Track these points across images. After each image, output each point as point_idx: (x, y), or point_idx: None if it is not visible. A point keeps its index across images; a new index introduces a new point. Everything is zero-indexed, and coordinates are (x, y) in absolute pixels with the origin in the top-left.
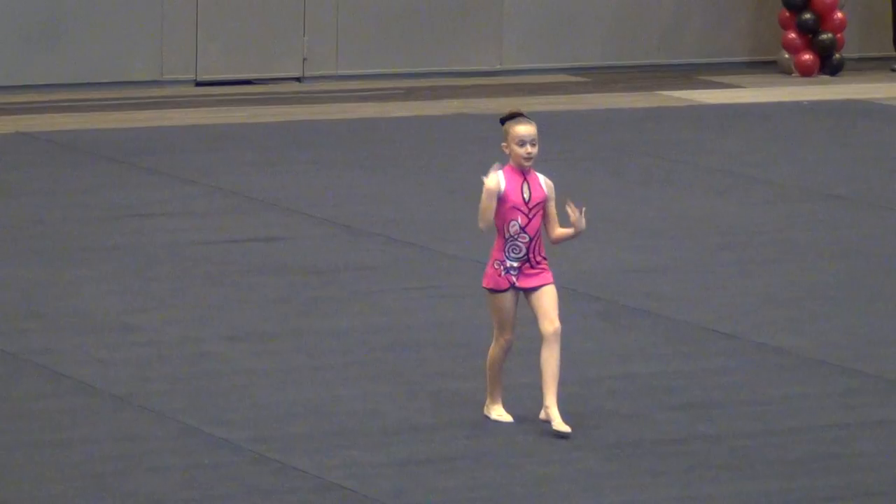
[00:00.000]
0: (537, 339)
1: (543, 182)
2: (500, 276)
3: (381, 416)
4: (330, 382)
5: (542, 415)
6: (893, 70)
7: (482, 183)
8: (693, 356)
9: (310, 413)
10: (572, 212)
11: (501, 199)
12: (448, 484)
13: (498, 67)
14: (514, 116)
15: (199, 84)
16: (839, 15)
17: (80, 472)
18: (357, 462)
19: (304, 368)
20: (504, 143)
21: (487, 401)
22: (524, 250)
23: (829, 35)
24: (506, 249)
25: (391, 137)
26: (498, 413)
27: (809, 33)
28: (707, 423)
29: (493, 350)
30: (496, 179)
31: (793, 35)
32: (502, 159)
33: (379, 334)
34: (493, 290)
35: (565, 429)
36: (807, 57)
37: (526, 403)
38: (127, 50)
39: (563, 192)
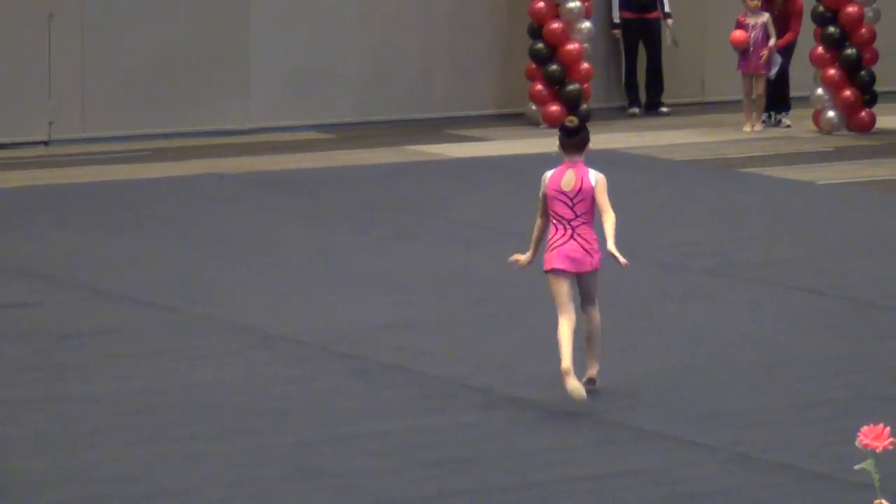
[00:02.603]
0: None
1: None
2: None
3: (136, 480)
4: (84, 449)
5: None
6: (631, 114)
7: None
8: (448, 411)
9: (63, 481)
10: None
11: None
12: None
13: (246, 126)
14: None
15: None
16: (585, 66)
17: None
18: None
19: (57, 435)
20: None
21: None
22: None
23: (576, 86)
24: None
25: (141, 199)
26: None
27: (556, 84)
28: (462, 477)
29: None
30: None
31: (540, 87)
32: (258, 221)
33: (132, 398)
34: None
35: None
36: (554, 108)
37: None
38: None
39: (314, 250)
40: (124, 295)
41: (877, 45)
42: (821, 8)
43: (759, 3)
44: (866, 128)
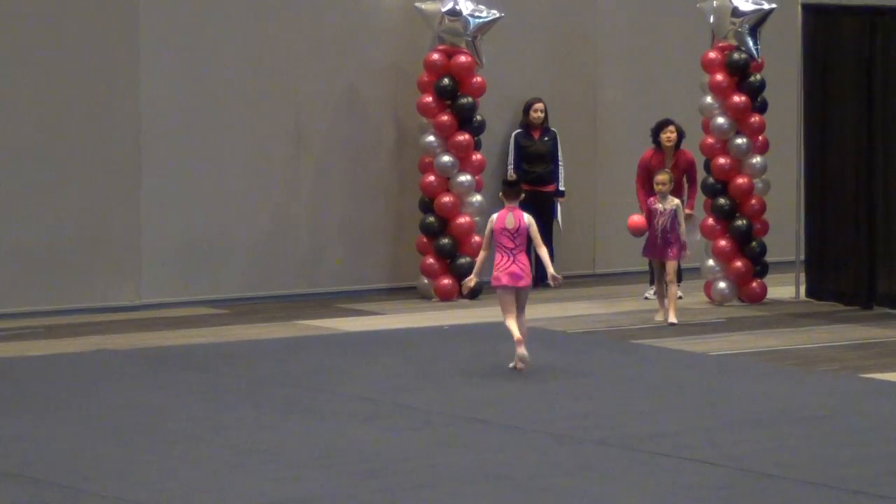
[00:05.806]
0: None
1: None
2: None
3: None
4: None
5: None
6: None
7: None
8: None
9: None
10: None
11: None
12: None
13: (137, 302)
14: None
15: None
16: (476, 239)
17: None
18: None
19: None
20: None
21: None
22: None
23: (468, 259)
24: None
25: (32, 376)
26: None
27: (447, 258)
28: None
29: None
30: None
31: (431, 260)
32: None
33: None
34: None
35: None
36: (446, 282)
37: None
38: None
39: (206, 426)
40: (14, 472)
41: (767, 216)
42: (711, 179)
43: (670, 187)
44: (758, 298)
